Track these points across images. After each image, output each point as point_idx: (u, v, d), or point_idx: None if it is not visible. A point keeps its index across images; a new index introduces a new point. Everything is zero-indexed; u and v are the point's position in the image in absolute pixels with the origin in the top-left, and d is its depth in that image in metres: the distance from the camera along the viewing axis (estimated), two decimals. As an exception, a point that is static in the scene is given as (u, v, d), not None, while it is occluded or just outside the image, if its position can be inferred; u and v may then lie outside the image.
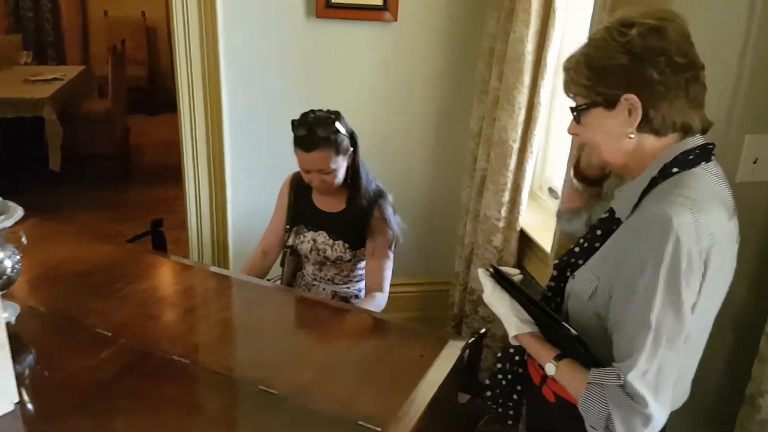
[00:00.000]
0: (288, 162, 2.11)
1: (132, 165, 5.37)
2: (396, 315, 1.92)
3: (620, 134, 1.18)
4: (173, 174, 4.42)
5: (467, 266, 2.83)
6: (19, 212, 1.48)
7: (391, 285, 2.18)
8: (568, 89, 1.24)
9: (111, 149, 5.06)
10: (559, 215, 1.59)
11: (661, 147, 1.18)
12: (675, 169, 1.16)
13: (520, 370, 1.45)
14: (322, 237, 2.14)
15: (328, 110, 2.07)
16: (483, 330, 1.76)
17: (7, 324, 1.28)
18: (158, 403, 1.38)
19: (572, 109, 1.24)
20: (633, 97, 1.13)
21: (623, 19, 1.15)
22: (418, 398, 1.41)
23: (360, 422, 1.31)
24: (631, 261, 1.12)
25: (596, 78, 1.16)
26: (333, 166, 2.01)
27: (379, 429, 1.30)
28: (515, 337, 1.33)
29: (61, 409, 1.34)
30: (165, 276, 2.07)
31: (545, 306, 1.32)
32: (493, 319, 2.72)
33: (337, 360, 1.61)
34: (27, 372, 1.44)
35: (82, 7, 6.98)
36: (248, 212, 2.87)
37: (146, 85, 6.89)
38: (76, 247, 2.13)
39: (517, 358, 1.44)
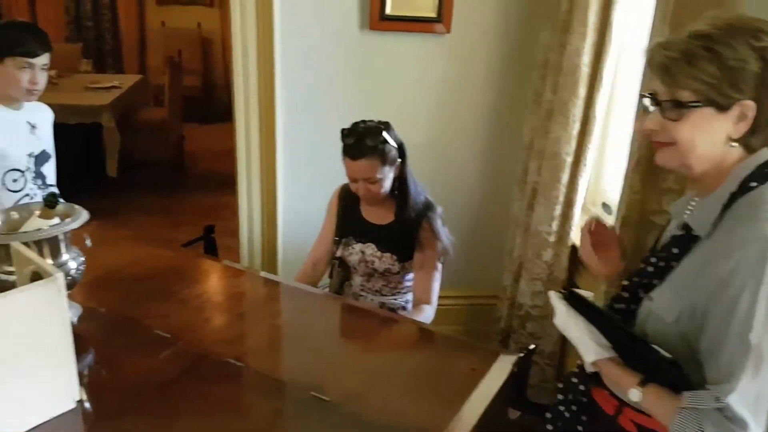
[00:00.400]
0: (339, 172, 2.13)
1: (186, 172, 5.50)
2: (439, 327, 1.92)
3: (721, 140, 1.13)
4: (225, 182, 4.53)
5: (515, 280, 2.80)
6: (84, 215, 1.53)
7: (437, 297, 2.17)
8: (672, 81, 1.13)
9: (166, 156, 5.21)
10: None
11: (738, 160, 1.15)
12: (753, 183, 1.12)
13: (584, 400, 1.39)
14: (370, 249, 2.16)
15: (378, 121, 2.09)
16: (532, 346, 1.74)
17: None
18: (214, 405, 1.41)
19: (675, 103, 1.14)
20: (751, 104, 1.09)
21: (744, 24, 1.10)
22: (469, 412, 1.40)
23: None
24: (727, 281, 1.07)
25: (723, 78, 1.09)
26: (379, 175, 2.03)
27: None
28: (593, 363, 1.27)
29: (120, 409, 1.38)
30: (219, 280, 2.11)
31: (632, 329, 1.26)
32: (542, 336, 2.69)
33: (388, 369, 1.61)
34: (86, 371, 1.48)
35: (140, 18, 7.22)
36: (298, 221, 2.91)
37: (200, 94, 7.07)
38: (135, 251, 2.19)
39: (581, 387, 1.39)
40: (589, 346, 1.26)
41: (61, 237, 1.48)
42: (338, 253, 2.22)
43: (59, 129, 2.42)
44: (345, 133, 2.04)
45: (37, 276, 1.26)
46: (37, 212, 1.50)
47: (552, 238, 2.58)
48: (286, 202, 2.92)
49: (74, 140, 5.08)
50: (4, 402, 1.20)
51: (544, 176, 2.56)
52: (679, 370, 1.15)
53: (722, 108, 1.11)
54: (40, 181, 2.24)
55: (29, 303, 1.17)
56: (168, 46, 6.94)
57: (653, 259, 1.28)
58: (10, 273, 1.43)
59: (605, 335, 1.27)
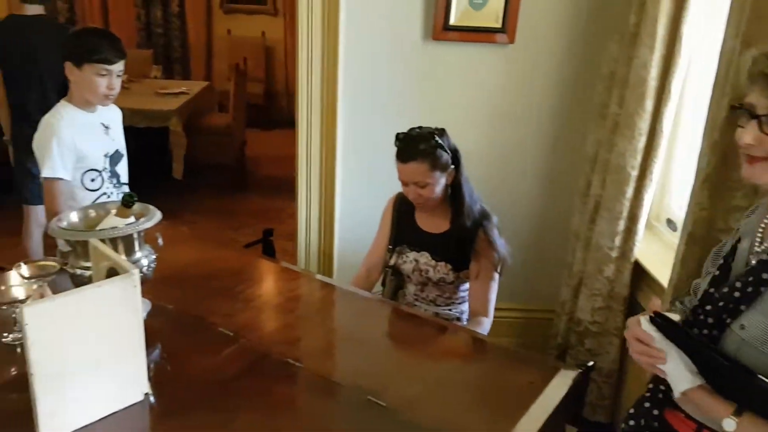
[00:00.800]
0: (397, 181, 2.15)
1: (247, 176, 5.64)
2: (494, 339, 1.91)
3: None
4: (283, 186, 4.62)
5: (574, 295, 2.75)
6: (158, 215, 1.60)
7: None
8: None
9: (229, 160, 5.34)
10: None
11: None
12: None
13: (655, 424, 1.34)
14: (424, 258, 2.15)
15: (434, 127, 2.10)
16: (591, 363, 1.70)
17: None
18: (273, 404, 1.44)
19: None
20: None
21: None
22: (527, 426, 1.39)
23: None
24: None
25: None
26: (429, 180, 2.03)
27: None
28: (684, 393, 1.22)
29: (184, 403, 1.43)
30: (279, 282, 2.16)
31: (730, 356, 1.20)
32: (600, 353, 2.63)
33: (446, 378, 1.61)
34: (152, 366, 1.53)
35: (207, 26, 7.44)
36: (355, 227, 2.94)
37: (262, 101, 7.22)
38: (200, 251, 2.27)
39: (655, 412, 1.34)
40: (682, 374, 1.21)
41: (135, 235, 1.55)
42: (392, 262, 2.22)
43: (128, 132, 2.52)
44: (398, 137, 2.07)
45: (112, 272, 1.32)
46: (114, 211, 1.57)
47: (614, 254, 2.53)
48: (343, 209, 2.96)
49: (142, 143, 5.26)
50: (79, 392, 1.26)
51: (608, 190, 2.51)
52: None
53: None
54: (114, 180, 2.34)
55: (106, 297, 1.23)
56: (233, 53, 7.13)
57: (738, 284, 1.21)
58: (87, 268, 1.49)
59: (694, 361, 1.21)
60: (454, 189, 2.11)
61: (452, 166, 2.08)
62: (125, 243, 1.53)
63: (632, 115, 2.38)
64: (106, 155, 2.30)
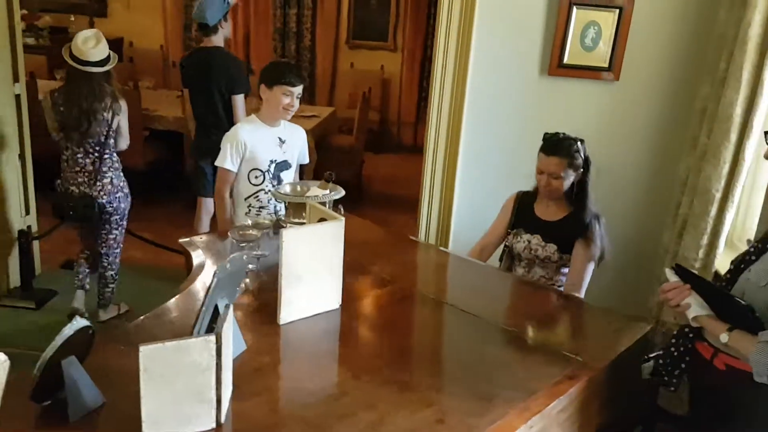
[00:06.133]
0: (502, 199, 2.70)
1: (363, 191, 6.31)
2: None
3: None
4: (394, 201, 5.19)
5: (661, 302, 3.14)
6: (342, 191, 2.21)
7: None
8: None
9: (350, 177, 6.02)
10: None
11: None
12: None
13: (690, 346, 1.87)
14: (536, 239, 2.64)
15: (576, 136, 2.60)
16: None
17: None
18: (421, 326, 2.00)
19: None
20: None
21: None
22: (615, 346, 1.91)
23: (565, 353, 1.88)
24: None
25: None
26: (563, 174, 2.52)
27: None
28: (695, 318, 1.77)
29: (365, 314, 2.06)
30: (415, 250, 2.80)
31: (723, 287, 1.77)
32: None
33: (552, 316, 2.21)
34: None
35: (333, 59, 8.28)
36: (466, 244, 3.43)
37: (377, 127, 7.94)
38: (362, 231, 2.87)
39: (691, 335, 1.87)
40: (696, 305, 1.76)
41: (328, 201, 2.17)
42: (508, 242, 2.73)
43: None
44: (546, 135, 2.58)
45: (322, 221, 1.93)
46: (317, 184, 2.21)
47: (698, 264, 2.92)
48: (457, 227, 3.46)
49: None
50: (304, 292, 1.86)
51: (695, 209, 2.92)
52: (758, 319, 1.63)
53: None
54: (275, 182, 2.95)
55: (326, 232, 1.84)
56: (354, 84, 7.90)
57: (757, 244, 1.77)
58: (298, 223, 2.13)
59: (704, 297, 1.76)
60: (580, 188, 2.58)
61: (581, 170, 2.57)
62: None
63: (719, 145, 2.80)
64: (272, 161, 2.93)
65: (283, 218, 2.40)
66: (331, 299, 1.94)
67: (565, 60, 3.17)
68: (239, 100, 3.88)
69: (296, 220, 2.16)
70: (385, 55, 8.08)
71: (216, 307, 1.52)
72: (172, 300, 1.93)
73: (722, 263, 2.90)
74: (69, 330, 1.33)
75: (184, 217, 4.50)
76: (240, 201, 2.94)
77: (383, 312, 2.11)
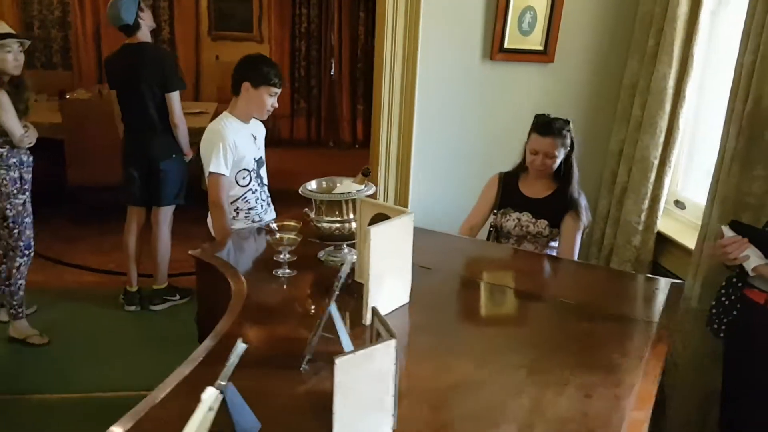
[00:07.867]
0: (461, 178, 2.75)
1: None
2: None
3: None
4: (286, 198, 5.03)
5: (607, 262, 3.40)
6: (374, 187, 2.12)
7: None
8: None
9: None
10: None
11: None
12: None
13: (739, 294, 2.06)
14: (526, 216, 2.76)
15: (564, 118, 2.71)
16: None
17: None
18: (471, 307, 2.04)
19: None
20: None
21: None
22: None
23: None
24: None
25: None
26: (556, 153, 2.65)
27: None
28: (755, 268, 1.94)
29: (431, 307, 2.00)
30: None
31: None
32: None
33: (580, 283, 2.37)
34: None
35: (196, 52, 7.85)
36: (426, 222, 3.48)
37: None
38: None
39: (740, 284, 2.06)
40: (754, 257, 1.94)
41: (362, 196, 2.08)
42: (495, 221, 2.81)
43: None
44: (539, 117, 2.69)
45: (377, 218, 1.84)
46: (345, 181, 2.11)
47: (641, 227, 3.20)
48: (418, 216, 3.45)
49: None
50: (384, 292, 1.79)
51: (634, 176, 3.19)
52: None
53: None
54: (259, 180, 2.81)
55: (398, 228, 1.77)
56: (222, 77, 7.47)
57: None
58: (329, 221, 2.02)
59: (761, 248, 1.94)
60: (567, 167, 2.72)
61: (570, 148, 2.71)
62: (353, 201, 2.07)
63: (653, 116, 3.08)
64: (255, 159, 2.78)
65: (274, 223, 2.22)
66: (404, 294, 1.89)
67: (506, 45, 3.29)
68: (175, 97, 3.57)
69: (329, 218, 2.03)
70: (252, 46, 7.81)
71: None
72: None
73: (664, 224, 3.20)
74: (235, 358, 1.18)
75: (68, 231, 4.61)
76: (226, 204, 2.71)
77: (449, 301, 2.11)
